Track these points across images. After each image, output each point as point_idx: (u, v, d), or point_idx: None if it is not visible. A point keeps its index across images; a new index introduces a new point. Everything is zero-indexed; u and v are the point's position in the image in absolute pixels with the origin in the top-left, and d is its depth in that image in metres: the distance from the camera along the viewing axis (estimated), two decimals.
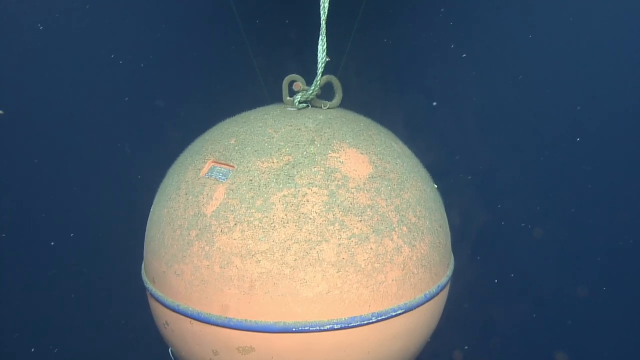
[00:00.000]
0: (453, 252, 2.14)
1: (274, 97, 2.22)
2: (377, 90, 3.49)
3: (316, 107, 2.08)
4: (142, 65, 3.41)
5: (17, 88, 3.18)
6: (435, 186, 2.09)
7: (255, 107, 2.15)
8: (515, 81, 3.34)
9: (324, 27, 1.84)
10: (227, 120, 2.10)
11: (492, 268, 3.59)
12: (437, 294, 1.89)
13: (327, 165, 1.78)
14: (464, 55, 3.34)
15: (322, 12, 1.82)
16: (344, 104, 2.15)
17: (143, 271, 2.05)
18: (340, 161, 1.80)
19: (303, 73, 2.07)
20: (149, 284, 1.95)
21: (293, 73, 2.06)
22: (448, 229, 2.05)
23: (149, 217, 2.05)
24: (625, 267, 3.43)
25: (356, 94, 3.35)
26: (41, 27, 3.14)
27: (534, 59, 3.30)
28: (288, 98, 2.07)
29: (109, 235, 3.42)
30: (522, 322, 3.60)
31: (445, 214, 2.06)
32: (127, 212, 2.93)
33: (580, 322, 3.53)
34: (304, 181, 1.74)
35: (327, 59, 1.89)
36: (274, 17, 3.44)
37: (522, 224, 3.54)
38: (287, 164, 1.77)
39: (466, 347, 3.59)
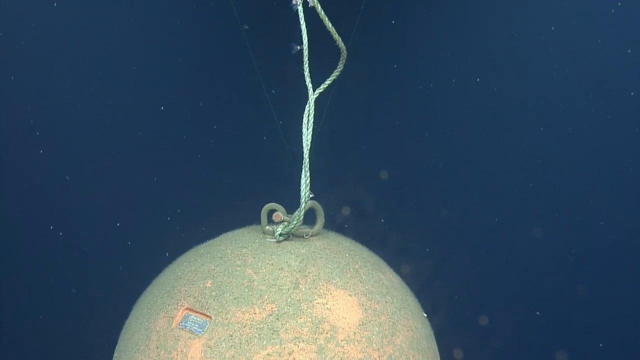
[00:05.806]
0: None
1: (274, 97, 2.04)
2: (377, 89, 3.42)
3: (297, 235, 1.96)
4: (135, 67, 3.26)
5: None
6: (425, 315, 1.97)
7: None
8: (518, 81, 3.28)
9: (307, 161, 1.74)
10: (202, 251, 1.94)
11: (492, 268, 3.48)
12: None
13: (314, 315, 1.64)
14: (470, 40, 3.26)
15: (304, 146, 1.72)
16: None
17: None
18: (327, 308, 1.67)
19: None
20: None
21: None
22: None
23: None
24: (626, 267, 3.36)
25: (356, 93, 3.29)
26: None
27: (537, 59, 3.25)
28: (267, 227, 1.94)
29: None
30: (522, 322, 3.47)
31: (437, 349, 1.94)
32: None
33: (580, 322, 3.43)
34: (290, 336, 1.58)
35: (310, 195, 1.78)
36: (274, 17, 3.34)
37: (522, 224, 3.44)
38: (270, 315, 1.62)
39: (466, 347, 3.42)
